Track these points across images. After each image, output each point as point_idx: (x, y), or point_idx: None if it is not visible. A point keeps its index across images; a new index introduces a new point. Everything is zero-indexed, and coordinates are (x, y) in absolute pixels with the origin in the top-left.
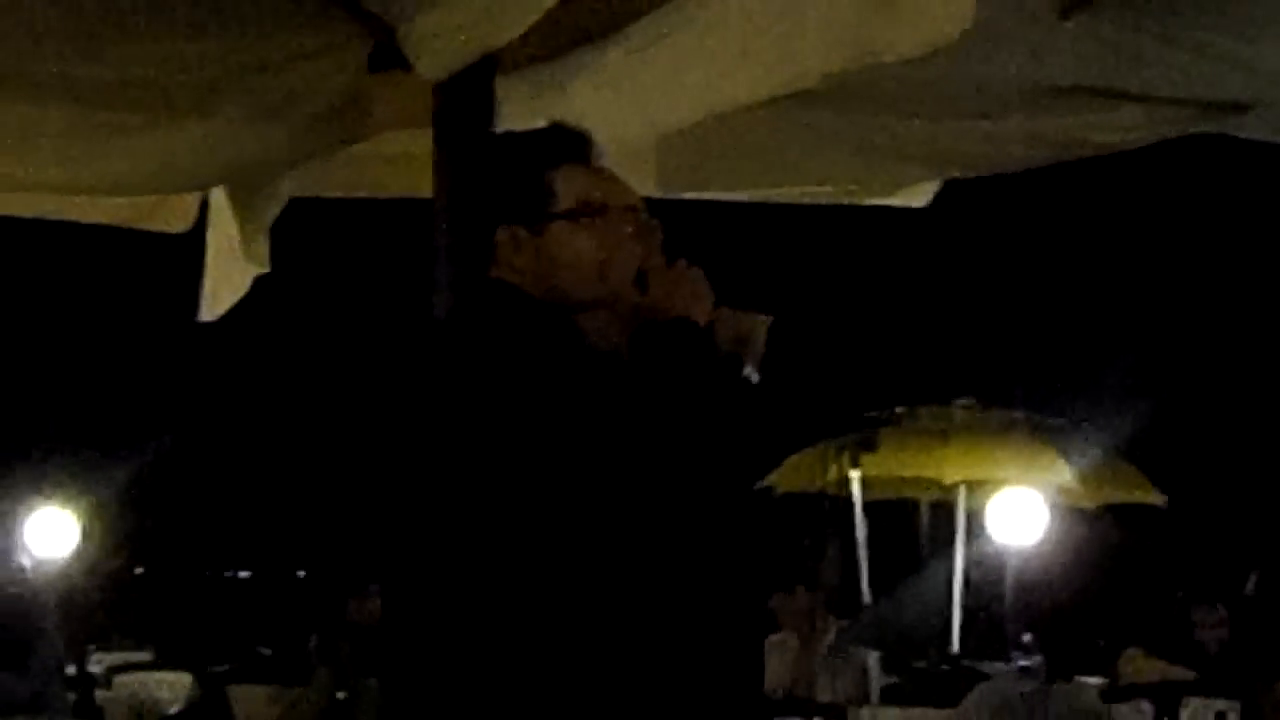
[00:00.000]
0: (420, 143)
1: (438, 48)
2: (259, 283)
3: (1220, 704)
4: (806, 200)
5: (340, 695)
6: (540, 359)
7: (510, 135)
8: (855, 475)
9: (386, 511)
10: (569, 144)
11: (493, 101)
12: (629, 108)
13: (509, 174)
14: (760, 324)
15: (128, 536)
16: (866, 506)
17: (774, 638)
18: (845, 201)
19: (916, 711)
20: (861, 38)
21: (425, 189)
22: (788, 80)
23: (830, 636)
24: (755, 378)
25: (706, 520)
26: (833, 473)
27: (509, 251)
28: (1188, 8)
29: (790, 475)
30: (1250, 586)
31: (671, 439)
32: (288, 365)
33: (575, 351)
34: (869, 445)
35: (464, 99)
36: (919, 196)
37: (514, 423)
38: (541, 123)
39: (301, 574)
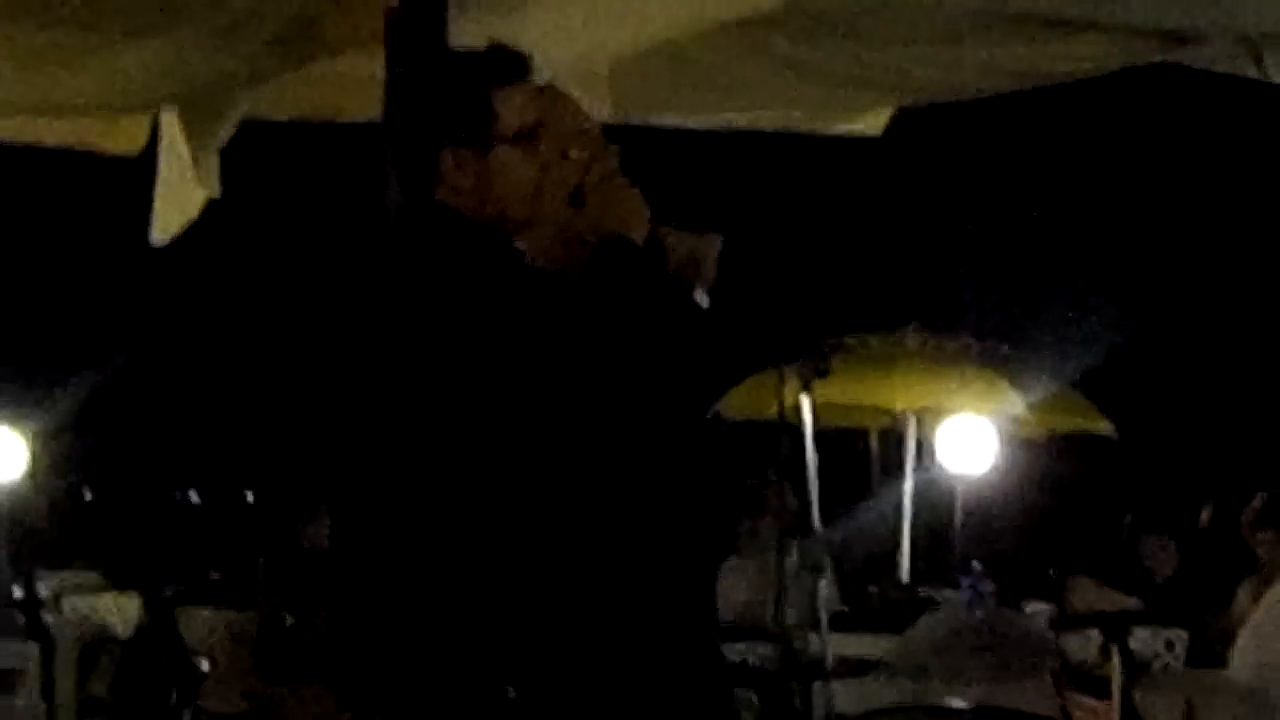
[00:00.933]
0: (373, 65)
1: None
2: (211, 204)
3: (1168, 633)
4: (761, 127)
5: (288, 620)
6: (478, 281)
7: (453, 55)
8: (806, 402)
9: (334, 437)
10: (511, 64)
11: (445, 23)
12: (583, 30)
13: (452, 95)
14: (711, 244)
15: (76, 458)
16: (816, 434)
17: (731, 563)
18: (800, 129)
19: (865, 638)
20: None
21: (377, 112)
22: (743, 6)
23: (789, 563)
24: (705, 300)
25: (654, 444)
26: (784, 399)
27: (452, 173)
28: None
29: (740, 401)
30: (1204, 517)
31: (615, 359)
32: (239, 288)
33: (512, 273)
34: (821, 372)
35: (416, 21)
36: (873, 124)
37: (455, 347)
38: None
39: (250, 496)
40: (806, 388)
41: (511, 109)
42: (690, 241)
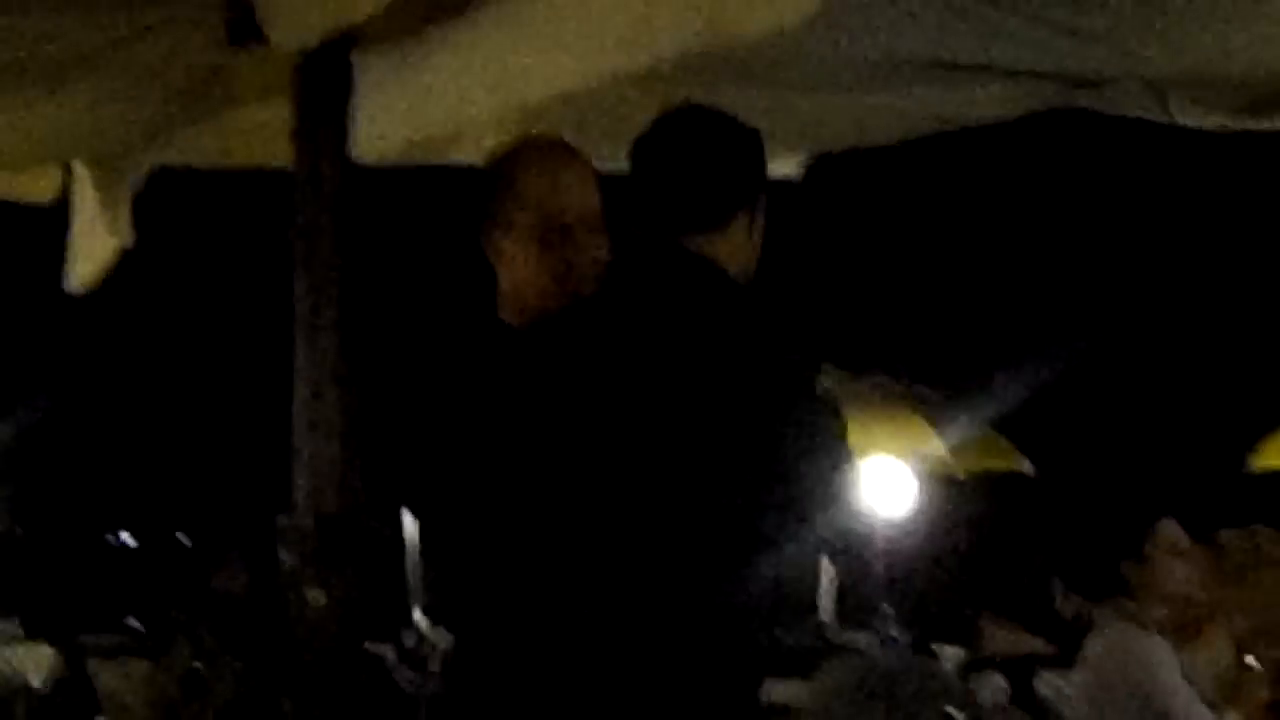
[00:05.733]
0: (282, 113)
1: (295, 21)
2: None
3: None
4: None
5: (198, 667)
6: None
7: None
8: None
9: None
10: None
11: (351, 72)
12: (487, 83)
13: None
14: None
15: (4, 500)
16: None
17: None
18: None
19: (777, 684)
20: (716, 14)
21: (286, 159)
22: (642, 57)
23: None
24: None
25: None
26: None
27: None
28: None
29: None
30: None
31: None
32: (160, 329)
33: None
34: None
35: (323, 72)
36: (789, 167)
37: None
38: (400, 97)
39: (185, 540)
40: None
41: None
42: None
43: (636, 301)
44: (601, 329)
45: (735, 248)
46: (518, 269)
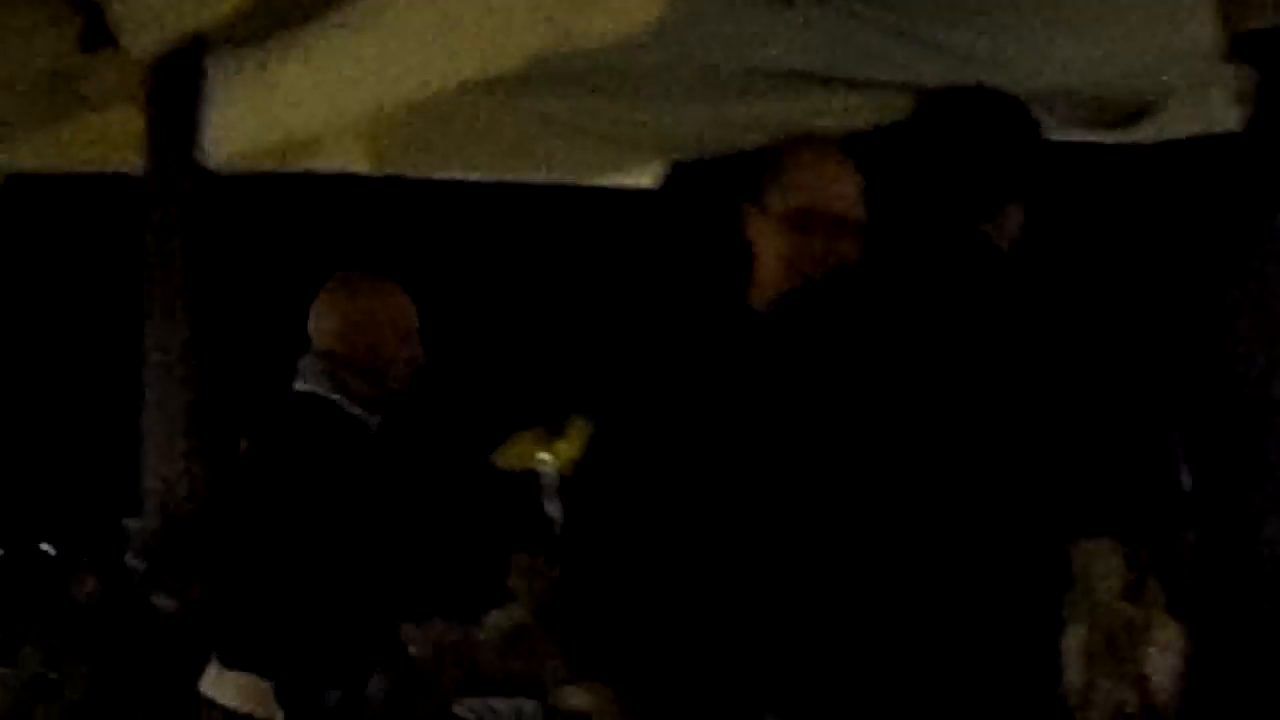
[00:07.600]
0: (134, 119)
1: (146, 26)
2: None
3: None
4: (535, 180)
5: (51, 675)
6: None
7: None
8: (546, 457)
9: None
10: None
11: (202, 80)
12: (339, 87)
13: None
14: None
15: None
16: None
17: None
18: (572, 182)
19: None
20: (560, 21)
21: (140, 164)
22: (491, 62)
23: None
24: None
25: None
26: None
27: None
28: None
29: (507, 454)
30: None
31: None
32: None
33: None
34: (559, 431)
35: (175, 77)
36: (645, 176)
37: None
38: (252, 102)
39: (49, 550)
40: (546, 445)
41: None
42: None
43: (899, 273)
44: (862, 299)
45: (1002, 237)
46: (769, 253)
